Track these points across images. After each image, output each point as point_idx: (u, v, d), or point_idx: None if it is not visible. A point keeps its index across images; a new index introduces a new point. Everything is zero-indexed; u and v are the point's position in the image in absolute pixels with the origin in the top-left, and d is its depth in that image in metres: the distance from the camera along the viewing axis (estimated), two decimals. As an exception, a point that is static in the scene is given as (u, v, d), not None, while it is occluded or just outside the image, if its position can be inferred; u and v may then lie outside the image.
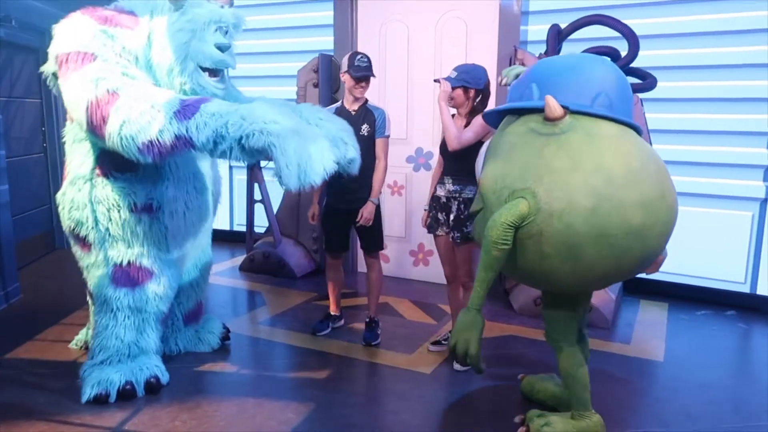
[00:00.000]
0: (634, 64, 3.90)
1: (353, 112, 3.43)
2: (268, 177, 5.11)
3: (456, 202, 3.20)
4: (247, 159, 2.51)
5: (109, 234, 2.79)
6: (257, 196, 5.07)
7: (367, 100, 3.49)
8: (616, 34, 3.89)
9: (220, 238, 6.10)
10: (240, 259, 5.36)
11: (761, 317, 4.10)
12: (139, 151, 2.42)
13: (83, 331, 3.38)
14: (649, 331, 3.84)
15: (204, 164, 3.07)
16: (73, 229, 2.86)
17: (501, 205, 2.13)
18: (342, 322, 3.84)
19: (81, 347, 3.31)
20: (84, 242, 2.85)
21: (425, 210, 3.43)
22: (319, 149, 2.47)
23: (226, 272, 5.13)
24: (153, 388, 2.85)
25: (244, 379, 3.10)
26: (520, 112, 2.32)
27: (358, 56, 3.38)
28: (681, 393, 2.99)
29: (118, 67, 2.57)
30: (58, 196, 2.93)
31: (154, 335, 2.95)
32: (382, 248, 3.62)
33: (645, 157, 2.12)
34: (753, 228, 4.19)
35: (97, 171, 2.77)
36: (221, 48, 2.72)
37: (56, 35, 2.68)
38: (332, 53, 4.90)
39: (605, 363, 3.33)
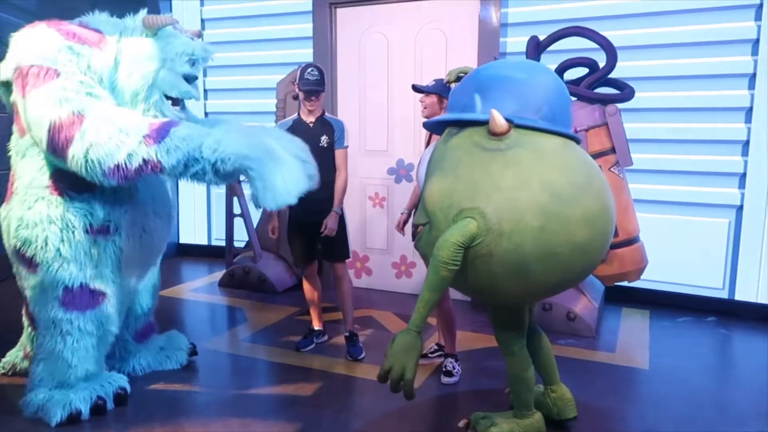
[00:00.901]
0: (611, 75, 3.99)
1: (311, 124, 3.42)
2: (247, 190, 5.04)
3: None
4: (219, 182, 2.56)
5: (60, 255, 2.64)
6: (236, 209, 5.00)
7: (324, 111, 3.48)
8: (595, 45, 3.98)
9: (198, 253, 6.01)
10: (219, 274, 5.26)
11: (740, 322, 4.15)
12: (105, 175, 2.40)
13: (12, 352, 3.18)
14: (633, 339, 3.86)
15: (163, 188, 3.02)
16: (19, 249, 2.69)
17: (449, 223, 2.10)
18: (326, 337, 3.78)
19: (8, 371, 3.13)
20: (30, 263, 2.68)
21: (402, 213, 3.42)
22: (292, 170, 2.55)
23: (204, 288, 5.03)
24: (122, 399, 2.80)
25: (227, 398, 3.01)
26: (462, 123, 2.29)
27: (309, 69, 3.36)
28: (668, 401, 2.99)
29: (83, 87, 2.51)
30: (1, 212, 2.79)
31: (102, 357, 2.83)
32: (348, 257, 3.61)
33: (588, 172, 2.16)
34: (730, 235, 4.26)
35: (51, 189, 2.64)
36: (188, 79, 2.76)
37: (17, 44, 2.59)
38: (311, 65, 4.87)
39: (592, 372, 3.33)
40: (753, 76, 4.04)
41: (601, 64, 3.96)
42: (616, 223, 2.28)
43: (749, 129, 4.09)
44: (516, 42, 4.42)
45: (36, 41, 2.56)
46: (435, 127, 2.59)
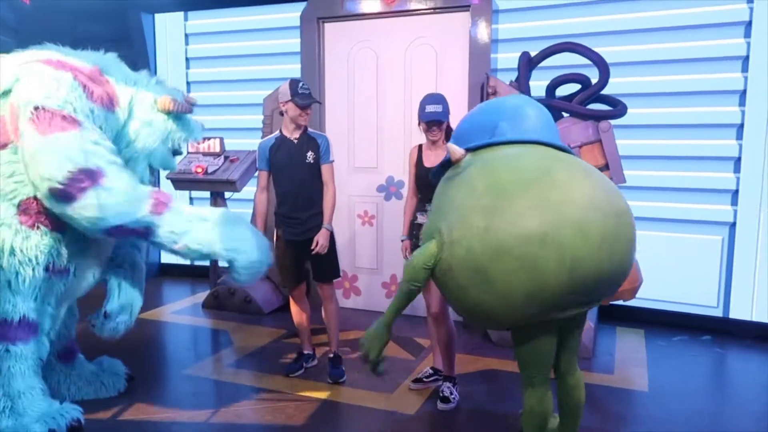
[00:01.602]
0: (604, 91, 3.96)
1: (295, 141, 3.33)
2: (232, 208, 4.90)
3: None
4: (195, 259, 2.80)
5: (9, 286, 2.53)
6: (221, 228, 4.83)
7: (306, 128, 3.38)
8: (587, 61, 3.94)
9: (181, 273, 5.83)
10: (202, 295, 5.09)
11: (735, 341, 4.10)
12: (102, 231, 2.45)
13: None
14: (630, 359, 3.78)
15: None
16: None
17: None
18: (315, 361, 3.63)
19: None
20: None
21: (403, 240, 3.31)
22: (262, 244, 2.71)
23: (187, 310, 4.85)
24: (76, 431, 2.66)
25: (214, 428, 2.85)
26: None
27: (300, 83, 3.29)
28: (671, 423, 2.91)
29: (103, 143, 2.51)
30: None
31: (38, 382, 2.69)
32: (338, 276, 3.50)
33: (545, 166, 2.05)
34: (723, 252, 4.22)
35: (21, 217, 2.52)
36: (175, 153, 2.91)
37: (32, 80, 2.49)
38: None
39: (592, 394, 3.22)
40: (744, 93, 4.03)
41: (594, 80, 3.93)
42: (599, 215, 2.00)
43: (741, 145, 4.08)
44: (507, 58, 4.38)
45: (56, 84, 2.49)
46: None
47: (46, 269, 2.58)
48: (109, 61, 2.83)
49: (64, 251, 2.61)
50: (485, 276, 1.97)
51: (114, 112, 2.69)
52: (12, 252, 2.51)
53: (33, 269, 2.54)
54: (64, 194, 2.36)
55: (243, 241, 2.62)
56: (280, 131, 3.38)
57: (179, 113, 2.80)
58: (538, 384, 2.29)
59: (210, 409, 3.05)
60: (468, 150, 2.26)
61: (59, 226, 2.56)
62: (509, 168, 2.08)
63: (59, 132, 2.38)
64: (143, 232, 2.50)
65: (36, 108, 2.41)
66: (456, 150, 2.25)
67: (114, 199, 2.40)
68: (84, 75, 2.61)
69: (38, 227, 2.54)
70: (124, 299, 2.92)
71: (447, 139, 3.12)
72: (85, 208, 2.37)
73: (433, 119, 3.08)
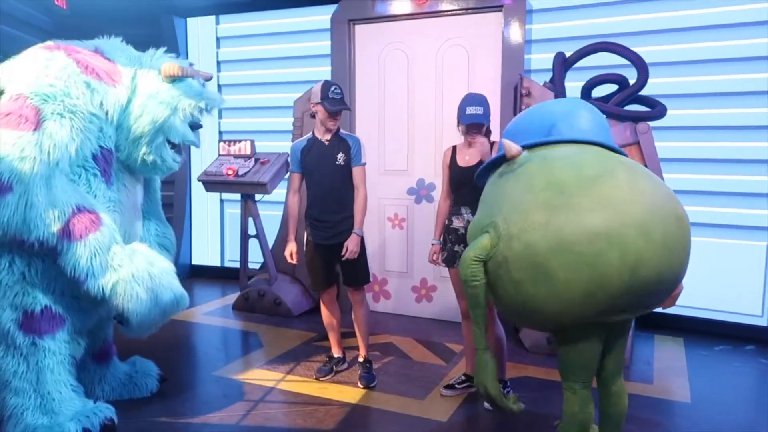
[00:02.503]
0: (642, 92, 3.85)
1: (326, 142, 3.30)
2: (262, 210, 4.91)
3: None
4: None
5: (24, 278, 2.55)
6: (251, 230, 4.85)
7: (339, 129, 3.35)
8: (624, 61, 3.84)
9: (211, 274, 5.87)
10: (232, 297, 5.10)
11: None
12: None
13: None
14: (670, 369, 3.65)
15: (135, 223, 2.94)
16: None
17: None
18: (345, 364, 3.60)
19: None
20: None
21: (434, 244, 3.25)
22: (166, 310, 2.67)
23: (217, 311, 4.87)
24: (109, 430, 2.65)
25: (245, 431, 2.83)
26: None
27: (333, 87, 3.24)
28: (717, 438, 2.79)
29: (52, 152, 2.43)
30: None
31: (71, 380, 2.69)
32: (368, 281, 3.46)
33: (607, 166, 2.05)
34: (767, 258, 4.06)
35: None
36: (193, 126, 2.82)
37: (35, 66, 2.51)
38: (328, 83, 4.76)
39: (631, 404, 3.10)
40: (790, 93, 3.88)
41: (632, 81, 3.83)
42: (665, 216, 1.98)
43: (787, 148, 3.92)
44: (541, 58, 4.30)
45: (49, 66, 2.50)
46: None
47: (54, 260, 2.54)
48: (111, 45, 2.81)
49: None
50: (544, 271, 1.96)
51: (115, 86, 2.65)
52: (20, 246, 2.52)
53: (42, 260, 2.54)
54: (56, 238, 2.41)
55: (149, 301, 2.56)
56: (313, 133, 3.36)
57: (186, 79, 2.73)
58: (580, 390, 2.23)
59: (240, 412, 3.04)
60: (524, 147, 2.23)
61: None
62: (570, 165, 2.06)
63: (3, 128, 2.37)
64: (53, 250, 2.44)
65: (12, 96, 2.43)
66: (513, 147, 2.21)
67: (6, 214, 2.34)
68: (79, 53, 2.61)
69: None
70: None
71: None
72: (71, 255, 2.42)
73: (474, 122, 3.00)
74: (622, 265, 1.90)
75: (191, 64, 2.85)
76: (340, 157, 3.27)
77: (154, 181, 3.18)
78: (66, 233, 2.42)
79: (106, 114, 2.63)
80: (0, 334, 2.58)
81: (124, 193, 2.79)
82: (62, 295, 2.63)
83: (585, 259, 1.90)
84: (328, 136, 3.30)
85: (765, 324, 4.09)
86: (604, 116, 2.39)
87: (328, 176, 3.26)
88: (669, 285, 2.02)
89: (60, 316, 2.62)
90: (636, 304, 2.03)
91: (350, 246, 3.24)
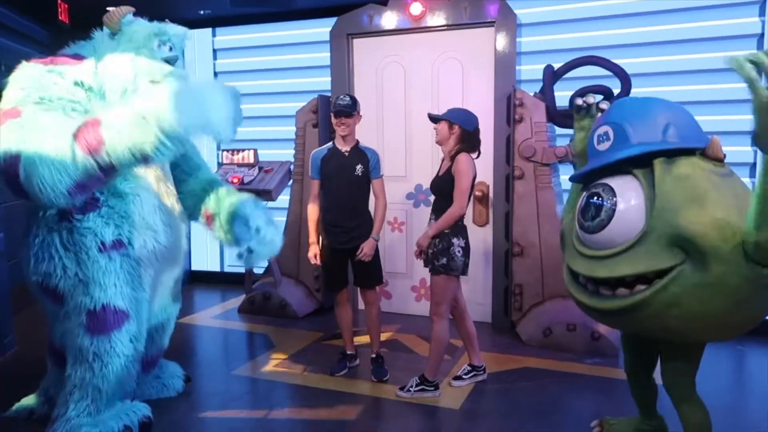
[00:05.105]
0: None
1: (346, 153, 3.54)
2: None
3: (435, 238, 3.24)
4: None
5: (80, 280, 2.65)
6: (256, 236, 5.02)
7: (358, 141, 3.59)
8: (609, 73, 4.14)
9: (211, 280, 6.01)
10: (234, 301, 5.29)
11: (753, 338, 4.26)
12: (64, 198, 2.44)
13: (31, 398, 3.07)
14: (655, 356, 3.95)
15: (168, 199, 2.95)
16: (42, 283, 2.71)
17: (735, 247, 1.96)
18: (357, 361, 3.82)
19: (24, 416, 3.00)
20: (55, 294, 2.70)
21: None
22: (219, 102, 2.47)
23: (223, 315, 5.04)
24: (147, 427, 2.80)
25: (273, 424, 3.04)
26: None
27: (341, 96, 3.54)
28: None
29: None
30: (21, 253, 2.78)
31: (132, 378, 2.82)
32: (381, 282, 3.68)
33: None
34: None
35: (59, 217, 2.67)
36: (169, 61, 2.83)
37: (10, 87, 2.64)
38: (329, 94, 4.98)
39: (619, 390, 3.36)
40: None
41: (616, 91, 4.13)
42: None
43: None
44: (531, 70, 4.58)
45: (20, 78, 2.64)
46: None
47: (99, 250, 2.64)
48: (71, 49, 2.90)
49: (105, 227, 2.67)
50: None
51: (83, 61, 2.76)
52: (65, 248, 2.64)
53: (87, 254, 2.62)
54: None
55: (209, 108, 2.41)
56: (333, 143, 3.59)
57: (126, 24, 2.80)
58: (696, 395, 2.36)
59: (265, 407, 3.24)
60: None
61: (88, 207, 2.64)
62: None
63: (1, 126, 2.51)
64: (105, 173, 2.43)
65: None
66: (721, 150, 2.15)
67: (41, 169, 2.37)
68: (47, 58, 2.77)
69: (71, 217, 2.64)
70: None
71: (460, 152, 3.22)
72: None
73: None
74: None
75: (131, 9, 2.87)
76: (359, 168, 3.50)
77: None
78: (88, 149, 2.41)
79: (89, 89, 2.70)
80: (71, 342, 2.69)
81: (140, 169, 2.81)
82: (120, 287, 2.68)
83: None
84: (348, 147, 3.53)
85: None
86: None
87: (345, 185, 3.49)
88: None
89: (122, 311, 2.68)
90: None
91: (366, 249, 3.47)
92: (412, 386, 3.32)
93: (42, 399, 3.04)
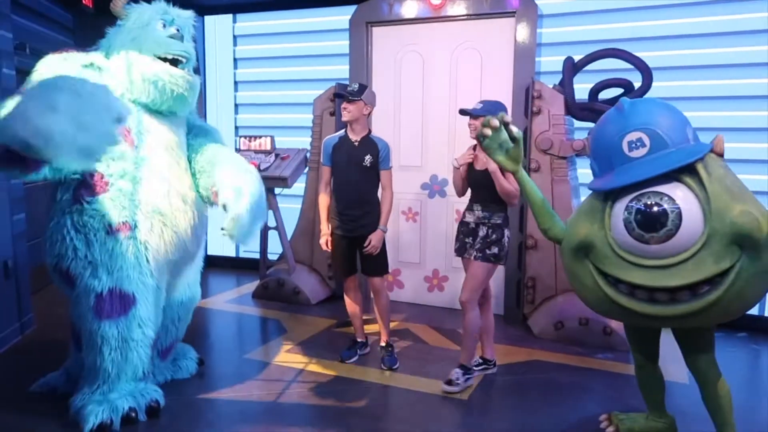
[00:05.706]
0: (647, 96, 4.09)
1: (356, 143, 3.53)
2: (281, 204, 5.13)
3: (485, 228, 3.30)
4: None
5: (89, 262, 2.70)
6: (271, 222, 5.07)
7: (370, 131, 3.58)
8: (630, 66, 4.08)
9: (226, 265, 6.08)
10: (249, 286, 5.34)
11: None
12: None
13: (54, 375, 3.14)
14: (668, 353, 3.87)
15: (181, 186, 2.96)
16: (56, 265, 2.76)
17: None
18: (368, 349, 3.84)
19: (47, 392, 3.07)
20: (68, 277, 2.76)
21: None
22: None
23: (238, 300, 5.10)
24: (154, 411, 2.85)
25: (283, 408, 3.08)
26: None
27: (352, 83, 3.58)
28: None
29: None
30: (46, 237, 2.83)
31: (143, 363, 2.86)
32: (386, 272, 3.69)
33: None
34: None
35: (72, 200, 2.72)
36: (174, 39, 2.90)
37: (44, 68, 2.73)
38: (347, 82, 4.97)
39: (631, 385, 3.36)
40: (783, 98, 4.14)
41: (637, 85, 4.08)
42: None
43: None
44: (551, 61, 4.53)
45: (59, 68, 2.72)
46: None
47: (107, 232, 2.69)
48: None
49: (113, 209, 2.71)
50: None
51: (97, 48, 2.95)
52: (76, 230, 2.70)
53: (95, 235, 2.69)
54: None
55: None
56: (345, 131, 3.59)
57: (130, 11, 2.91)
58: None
59: (276, 390, 3.28)
60: None
61: (97, 190, 2.70)
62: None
63: None
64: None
65: None
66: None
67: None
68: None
69: (82, 199, 2.70)
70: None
71: None
72: None
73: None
74: None
75: None
76: (368, 159, 3.50)
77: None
78: None
79: (99, 68, 2.82)
80: (83, 325, 2.75)
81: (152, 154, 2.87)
82: (127, 271, 2.73)
83: None
84: (358, 137, 3.53)
85: (756, 313, 4.37)
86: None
87: (353, 174, 3.50)
88: None
89: (128, 295, 2.73)
90: None
91: (373, 240, 3.48)
92: (458, 378, 3.28)
93: (64, 378, 3.12)
